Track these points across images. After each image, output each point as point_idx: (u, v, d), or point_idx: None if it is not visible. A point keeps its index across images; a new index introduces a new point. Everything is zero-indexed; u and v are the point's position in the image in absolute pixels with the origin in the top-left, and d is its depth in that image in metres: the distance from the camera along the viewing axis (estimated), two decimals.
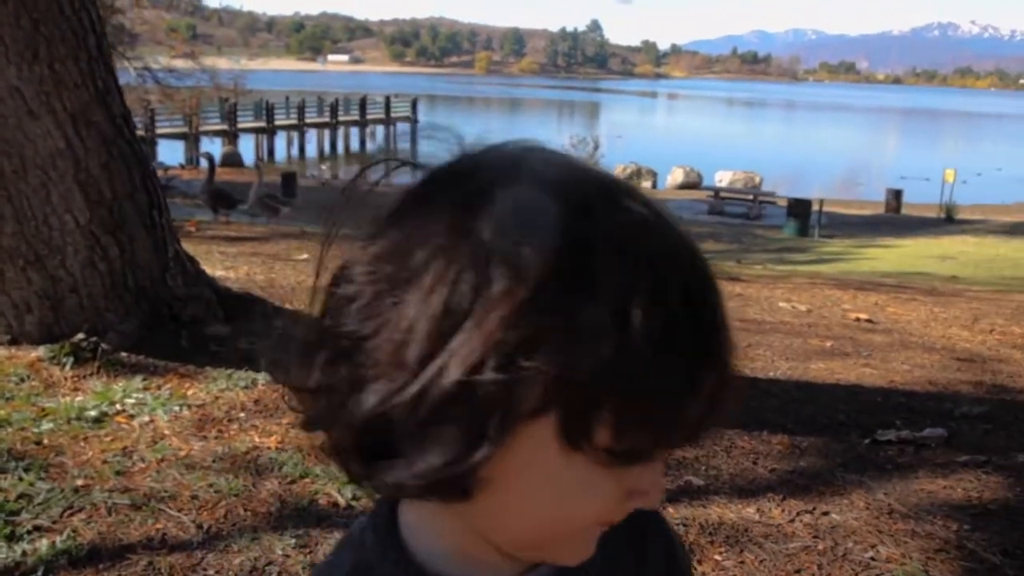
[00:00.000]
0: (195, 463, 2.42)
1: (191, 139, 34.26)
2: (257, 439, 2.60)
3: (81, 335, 3.11)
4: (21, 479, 2.25)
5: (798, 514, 2.42)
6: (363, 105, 48.41)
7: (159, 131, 31.56)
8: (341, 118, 46.96)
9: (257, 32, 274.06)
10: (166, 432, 2.61)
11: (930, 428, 3.17)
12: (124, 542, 2.04)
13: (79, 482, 2.26)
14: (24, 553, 1.94)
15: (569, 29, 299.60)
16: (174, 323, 3.40)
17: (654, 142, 59.53)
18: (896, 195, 31.09)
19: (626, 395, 0.46)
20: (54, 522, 2.09)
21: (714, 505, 2.43)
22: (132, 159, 3.30)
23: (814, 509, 2.46)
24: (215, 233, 6.77)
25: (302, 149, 43.56)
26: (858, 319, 5.20)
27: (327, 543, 2.09)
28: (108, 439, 2.54)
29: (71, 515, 2.13)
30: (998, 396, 3.76)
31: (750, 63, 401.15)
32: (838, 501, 2.53)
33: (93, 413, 2.68)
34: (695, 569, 2.19)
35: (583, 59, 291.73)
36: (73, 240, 3.16)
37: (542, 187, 0.48)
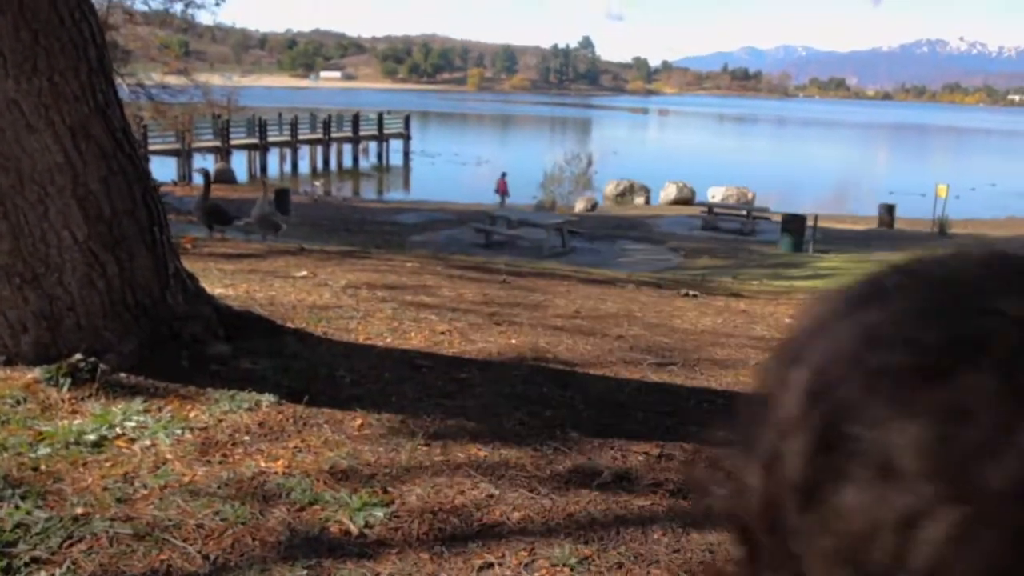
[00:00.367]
0: (200, 489, 2.32)
1: (184, 155, 34.17)
2: (263, 463, 2.50)
3: (79, 355, 3.01)
4: (18, 507, 2.15)
5: None
6: (356, 121, 48.38)
7: (152, 148, 31.41)
8: (334, 135, 46.91)
9: (250, 49, 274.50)
10: (168, 456, 2.51)
11: None
12: (127, 574, 1.95)
13: (79, 510, 2.16)
14: None
15: (561, 46, 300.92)
16: (175, 343, 3.30)
17: (646, 158, 59.62)
18: (889, 210, 31.15)
19: None
20: (53, 553, 1.99)
21: None
22: (132, 174, 3.21)
23: None
24: (212, 250, 6.67)
25: (295, 165, 43.49)
26: None
27: (340, 574, 1.99)
28: (108, 464, 2.44)
29: (71, 546, 2.03)
30: None
31: (741, 79, 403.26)
32: None
33: (92, 437, 2.58)
34: None
35: (575, 75, 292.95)
36: (71, 257, 3.07)
37: None
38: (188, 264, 3.68)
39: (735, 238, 25.92)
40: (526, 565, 2.09)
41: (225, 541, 2.09)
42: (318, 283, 5.09)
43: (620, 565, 2.10)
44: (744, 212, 28.39)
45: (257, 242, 8.41)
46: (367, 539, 2.11)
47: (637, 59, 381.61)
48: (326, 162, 46.01)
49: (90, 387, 2.93)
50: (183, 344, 3.31)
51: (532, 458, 2.67)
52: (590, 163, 37.42)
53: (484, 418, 2.99)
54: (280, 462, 2.51)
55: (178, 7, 21.99)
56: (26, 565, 1.93)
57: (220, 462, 2.50)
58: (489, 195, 35.24)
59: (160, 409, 2.84)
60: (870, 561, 0.30)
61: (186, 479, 2.37)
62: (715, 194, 37.34)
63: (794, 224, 23.12)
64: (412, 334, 4.01)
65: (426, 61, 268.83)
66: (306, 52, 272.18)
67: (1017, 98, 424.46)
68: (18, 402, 2.81)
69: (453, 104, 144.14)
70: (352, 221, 24.59)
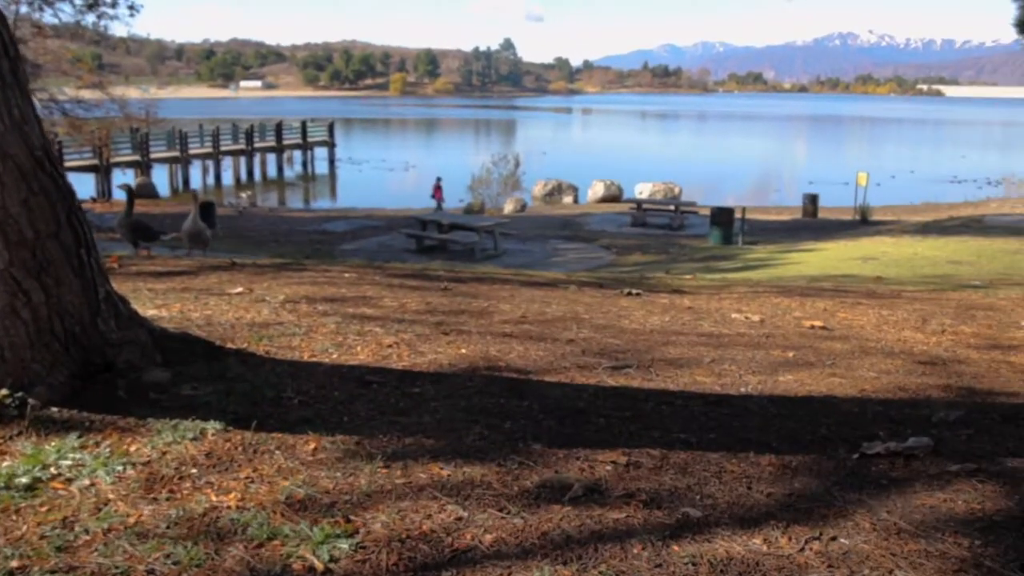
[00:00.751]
0: (147, 531, 2.15)
1: (102, 171, 33.22)
2: (214, 498, 2.35)
3: (4, 391, 2.82)
4: None
5: (807, 542, 2.28)
6: (279, 131, 47.75)
7: (68, 164, 30.50)
8: (257, 145, 46.24)
9: (166, 60, 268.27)
10: (110, 496, 2.34)
11: (914, 438, 3.07)
12: None
13: (14, 563, 1.98)
14: None
15: (482, 48, 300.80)
16: (109, 371, 3.11)
17: (572, 157, 60.12)
18: (813, 199, 31.87)
19: None
20: None
21: (718, 539, 2.26)
22: (55, 194, 3.01)
23: (821, 535, 2.32)
24: (140, 268, 6.41)
25: (218, 177, 42.73)
26: (813, 327, 5.14)
27: None
28: (44, 509, 2.26)
29: None
30: (969, 399, 3.70)
31: (661, 76, 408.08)
32: (843, 524, 2.39)
33: (24, 480, 2.40)
34: None
35: (497, 77, 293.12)
36: None
37: None
38: (116, 284, 3.48)
39: (665, 233, 26.22)
40: None
41: None
42: (255, 299, 4.90)
43: None
44: (672, 207, 28.74)
45: (186, 258, 8.14)
46: (333, 574, 1.98)
47: (559, 59, 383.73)
48: (250, 173, 45.32)
49: (19, 424, 2.73)
50: (118, 372, 3.12)
51: (497, 474, 2.56)
52: (518, 164, 37.49)
53: (443, 434, 2.87)
54: (232, 495, 2.36)
55: (90, 19, 21.29)
56: None
57: (167, 499, 2.34)
58: (418, 200, 35.06)
59: (98, 444, 2.66)
60: None
61: (132, 520, 2.21)
62: (642, 190, 37.78)
63: (723, 217, 23.48)
64: (358, 349, 3.87)
65: (347, 68, 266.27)
66: (225, 62, 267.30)
67: (925, 87, 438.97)
68: None
69: (377, 110, 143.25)
70: (280, 232, 24.18)
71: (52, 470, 2.47)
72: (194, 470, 2.51)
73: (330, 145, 50.87)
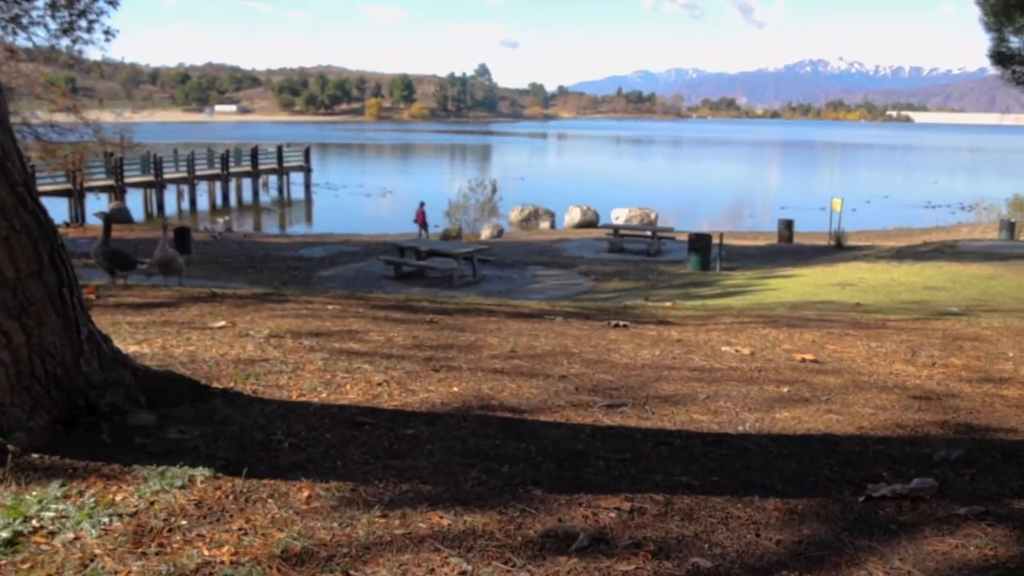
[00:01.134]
0: None
1: (76, 196, 32.90)
2: (207, 552, 2.25)
3: None
4: None
5: None
6: (255, 155, 47.59)
7: (41, 188, 30.19)
8: (232, 169, 46.06)
9: (141, 84, 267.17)
10: (96, 551, 2.23)
11: (919, 479, 3.02)
12: None
13: None
14: None
15: (458, 74, 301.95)
16: (92, 415, 3.00)
17: (548, 182, 60.40)
18: (788, 225, 32.14)
19: None
20: None
21: None
22: (37, 231, 2.92)
23: None
24: (118, 300, 6.28)
25: (193, 202, 42.47)
26: (804, 360, 5.10)
27: None
28: (26, 567, 2.15)
29: None
30: (968, 436, 3.66)
31: (635, 102, 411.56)
32: (856, 573, 2.33)
33: (5, 534, 2.28)
34: None
35: (473, 103, 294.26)
36: None
37: None
38: (95, 317, 3.37)
39: (642, 259, 26.29)
40: None
41: None
42: (239, 333, 4.80)
43: None
44: (649, 233, 28.85)
45: (164, 288, 8.00)
46: None
47: (534, 85, 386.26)
48: (225, 197, 45.11)
49: None
50: (102, 416, 3.01)
51: (499, 523, 2.48)
52: (495, 190, 37.55)
53: (440, 479, 2.79)
54: (225, 549, 2.26)
55: (64, 43, 21.11)
56: None
57: (157, 553, 2.24)
58: (395, 226, 35.00)
59: (81, 494, 2.54)
60: None
61: None
62: (619, 216, 37.96)
63: (701, 243, 23.58)
64: (348, 387, 3.77)
65: (323, 92, 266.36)
66: (200, 86, 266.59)
67: (895, 113, 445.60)
68: None
69: (353, 135, 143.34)
70: (256, 257, 24.00)
71: (34, 523, 2.36)
72: (184, 521, 2.41)
73: (306, 170, 50.76)
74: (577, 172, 73.85)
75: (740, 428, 3.58)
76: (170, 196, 41.10)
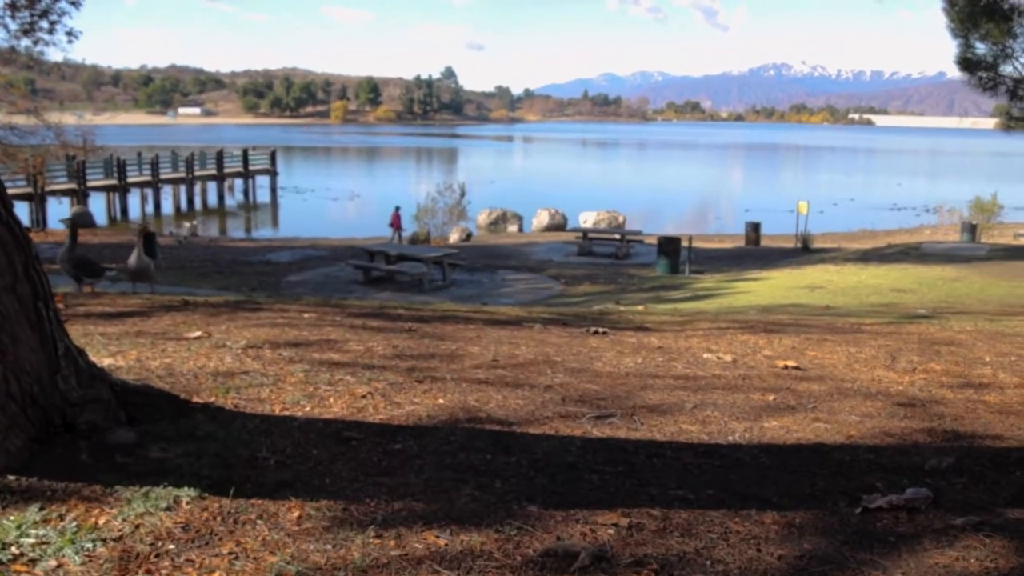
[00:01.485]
0: None
1: (37, 200, 32.34)
2: None
3: None
4: None
5: None
6: (220, 159, 47.12)
7: None
8: (198, 173, 45.58)
9: (102, 86, 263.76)
10: None
11: (912, 489, 3.01)
12: None
13: None
14: None
15: (424, 77, 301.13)
16: (69, 433, 2.90)
17: (516, 185, 60.46)
18: (755, 228, 32.38)
19: None
20: None
21: None
22: (12, 243, 2.81)
23: None
24: (88, 309, 6.13)
25: (158, 206, 41.97)
26: (787, 367, 5.10)
27: None
28: None
29: None
30: (956, 444, 3.66)
31: (601, 105, 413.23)
32: None
33: None
34: None
35: (439, 106, 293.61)
36: None
37: None
38: (67, 329, 3.26)
39: (612, 262, 26.34)
40: None
41: None
42: (216, 344, 4.70)
43: None
44: (618, 236, 28.91)
45: (135, 296, 7.84)
46: None
47: (500, 88, 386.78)
48: (190, 201, 44.64)
49: None
50: (80, 434, 2.91)
51: (497, 542, 2.42)
52: (463, 193, 37.50)
53: (432, 496, 2.72)
54: (216, 575, 2.18)
55: (24, 44, 20.73)
56: None
57: None
58: (361, 230, 34.83)
59: (62, 517, 2.45)
60: None
61: None
62: (587, 219, 38.04)
63: (670, 246, 23.65)
64: (331, 400, 3.70)
65: (288, 95, 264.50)
66: (163, 88, 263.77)
67: (857, 116, 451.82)
68: None
69: (319, 138, 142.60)
70: (223, 262, 23.73)
71: (13, 550, 2.26)
72: (172, 546, 2.32)
73: (272, 173, 50.36)
74: (544, 175, 73.99)
75: (730, 438, 3.55)
76: (134, 200, 40.54)
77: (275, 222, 42.29)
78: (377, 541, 2.39)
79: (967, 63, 12.87)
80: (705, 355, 5.41)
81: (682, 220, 44.25)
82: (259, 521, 2.48)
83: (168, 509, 2.52)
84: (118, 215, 38.70)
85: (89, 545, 2.30)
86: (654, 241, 26.35)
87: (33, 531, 2.36)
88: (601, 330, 6.29)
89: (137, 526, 2.42)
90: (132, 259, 9.31)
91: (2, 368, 2.76)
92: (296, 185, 56.28)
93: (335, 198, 50.99)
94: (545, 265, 24.66)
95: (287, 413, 3.47)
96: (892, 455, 3.44)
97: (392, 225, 31.00)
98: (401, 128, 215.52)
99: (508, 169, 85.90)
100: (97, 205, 38.04)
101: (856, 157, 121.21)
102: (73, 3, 20.68)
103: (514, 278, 21.81)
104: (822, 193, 55.06)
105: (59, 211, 33.77)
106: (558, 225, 38.61)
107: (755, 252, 29.75)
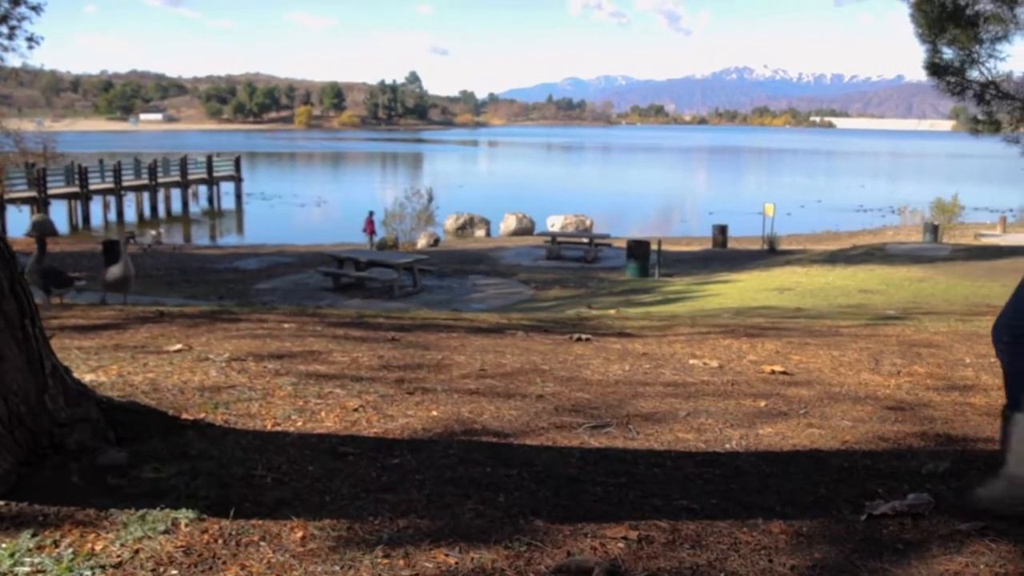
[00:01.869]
0: None
1: None
2: None
3: None
4: None
5: None
6: (184, 165, 46.57)
7: None
8: (161, 179, 45.05)
9: (61, 92, 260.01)
10: None
11: (914, 494, 3.01)
12: None
13: None
14: None
15: (388, 81, 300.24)
16: (59, 455, 2.81)
17: (482, 190, 60.44)
18: (722, 230, 32.60)
19: None
20: None
21: None
22: None
23: None
24: (61, 321, 6.00)
25: (120, 213, 41.40)
26: (773, 372, 5.10)
27: None
28: None
29: None
30: (950, 447, 3.67)
31: (566, 109, 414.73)
32: None
33: None
34: None
35: (404, 110, 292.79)
36: None
37: None
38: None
39: (581, 266, 26.37)
40: None
41: None
42: (198, 357, 4.60)
43: None
44: (587, 240, 28.95)
45: (107, 308, 7.69)
46: None
47: (464, 92, 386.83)
48: (154, 208, 44.13)
49: None
50: (70, 455, 2.82)
51: (507, 559, 2.38)
52: (431, 198, 37.41)
53: (436, 513, 2.67)
54: None
55: None
56: None
57: None
58: (328, 235, 34.62)
59: (57, 544, 2.36)
60: None
61: None
62: (554, 223, 38.08)
63: (640, 250, 23.73)
64: (323, 414, 3.63)
65: (251, 100, 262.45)
66: (124, 94, 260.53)
67: (818, 119, 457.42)
68: None
69: (283, 143, 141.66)
70: (190, 270, 23.46)
71: None
72: (174, 571, 2.25)
73: (237, 179, 49.89)
74: (510, 179, 74.04)
75: (727, 446, 3.54)
76: (96, 207, 39.95)
77: (241, 229, 41.90)
78: (386, 561, 2.34)
79: (935, 68, 13.05)
80: (691, 361, 5.40)
81: (648, 223, 44.46)
82: (262, 543, 2.42)
83: (167, 532, 2.45)
84: (80, 223, 38.11)
85: (88, 573, 2.22)
86: (623, 245, 26.43)
87: (28, 559, 2.27)
88: (584, 337, 6.26)
89: (136, 551, 2.34)
90: (117, 268, 9.13)
91: None
92: (262, 191, 55.83)
93: (301, 204, 50.63)
94: (515, 270, 24.64)
95: (279, 428, 3.40)
96: (888, 460, 3.44)
97: (365, 231, 30.86)
98: (366, 133, 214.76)
99: (474, 173, 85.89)
100: (58, 213, 37.46)
101: (819, 159, 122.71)
102: (34, 8, 20.38)
103: (484, 283, 21.77)
104: (786, 195, 55.61)
105: (19, 219, 33.17)
106: (526, 229, 38.62)
107: (723, 254, 29.95)
